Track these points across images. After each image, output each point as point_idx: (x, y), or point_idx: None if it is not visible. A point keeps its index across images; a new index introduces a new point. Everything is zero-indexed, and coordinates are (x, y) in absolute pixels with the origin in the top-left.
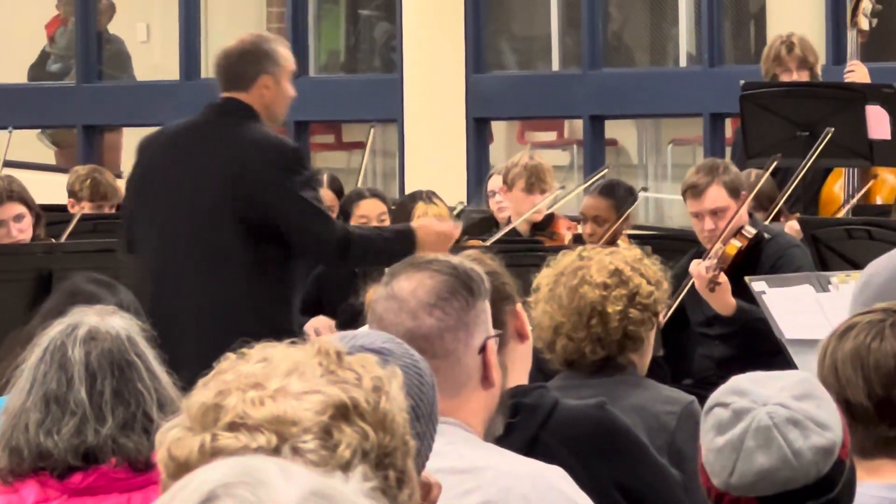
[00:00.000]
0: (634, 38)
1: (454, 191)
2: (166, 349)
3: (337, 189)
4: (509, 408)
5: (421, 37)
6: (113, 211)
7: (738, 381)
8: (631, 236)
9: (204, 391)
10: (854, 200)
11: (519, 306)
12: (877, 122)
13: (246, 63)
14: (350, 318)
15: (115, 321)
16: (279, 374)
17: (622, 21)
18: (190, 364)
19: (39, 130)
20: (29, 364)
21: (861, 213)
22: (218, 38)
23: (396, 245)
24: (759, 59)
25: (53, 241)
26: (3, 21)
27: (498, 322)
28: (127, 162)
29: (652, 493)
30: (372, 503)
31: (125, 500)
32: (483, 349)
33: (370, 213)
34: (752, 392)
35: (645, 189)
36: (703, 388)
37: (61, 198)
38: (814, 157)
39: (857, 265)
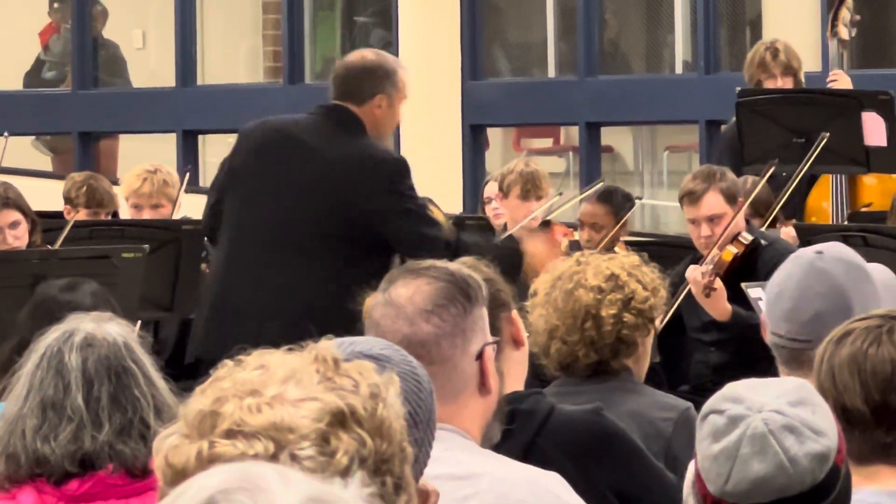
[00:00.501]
0: (630, 45)
1: (450, 197)
2: (230, 342)
3: None
4: (506, 414)
5: (417, 44)
6: (109, 217)
7: (733, 387)
8: (627, 243)
9: (201, 398)
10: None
11: (514, 313)
12: (873, 128)
13: (366, 79)
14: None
15: (111, 327)
16: (276, 381)
17: (618, 28)
18: None
19: (35, 137)
20: (26, 370)
21: (856, 220)
22: (214, 45)
23: (505, 258)
24: None
25: (49, 247)
26: None
27: (493, 329)
28: (124, 169)
29: (648, 498)
30: None
31: None
32: (480, 356)
33: None
34: (747, 399)
35: (639, 198)
36: (699, 395)
37: (57, 205)
38: (809, 163)
39: None
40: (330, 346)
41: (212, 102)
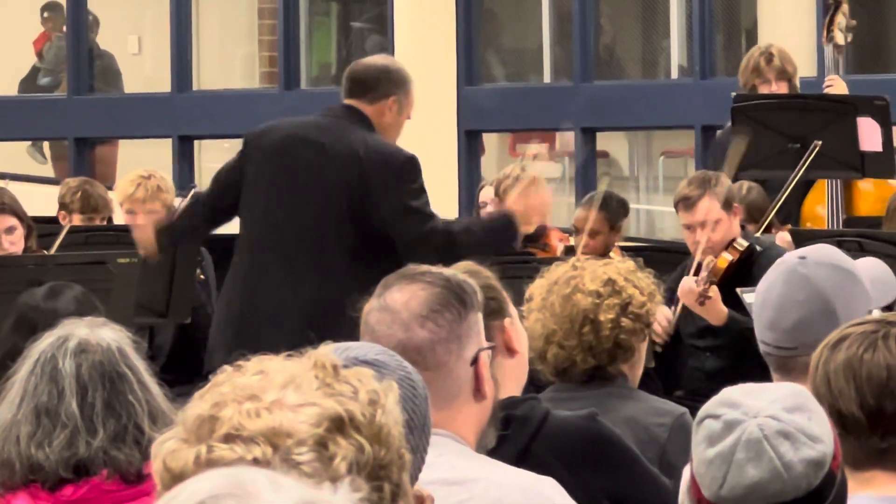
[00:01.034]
0: (626, 50)
1: (445, 202)
2: (250, 339)
3: None
4: (501, 420)
5: (412, 49)
6: (104, 223)
7: (729, 392)
8: (623, 248)
9: (200, 403)
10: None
11: (507, 321)
12: (868, 134)
13: (383, 78)
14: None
15: (105, 333)
16: (275, 387)
17: (614, 33)
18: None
19: (30, 143)
20: (19, 376)
21: (852, 225)
22: (210, 50)
23: (499, 239)
24: None
25: (45, 252)
26: None
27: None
28: (122, 174)
29: (644, 503)
30: None
31: None
32: (475, 361)
33: None
34: (743, 404)
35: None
36: (694, 400)
37: (53, 210)
38: (803, 170)
39: None
40: (329, 352)
41: (208, 108)
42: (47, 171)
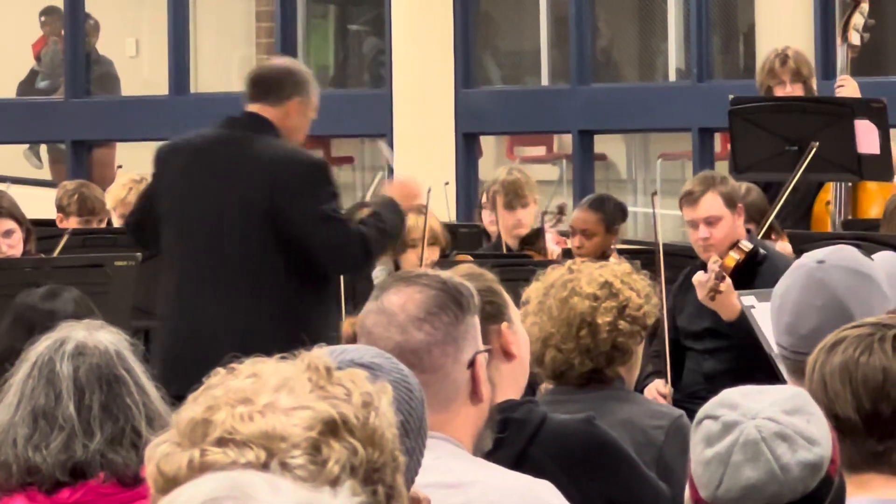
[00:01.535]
0: (623, 53)
1: (443, 205)
2: (191, 363)
3: None
4: (498, 423)
5: (410, 52)
6: (102, 226)
7: (729, 393)
8: (620, 251)
9: (193, 406)
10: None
11: (505, 325)
12: (865, 136)
13: (285, 81)
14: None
15: (103, 336)
16: (268, 390)
17: (611, 36)
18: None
19: (28, 146)
20: (17, 379)
21: (851, 228)
22: (207, 53)
23: (392, 221)
24: (748, 73)
25: (43, 256)
26: None
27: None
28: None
29: None
30: None
31: None
32: (472, 364)
33: None
34: (741, 405)
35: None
36: (691, 402)
37: (50, 212)
38: (800, 172)
39: None
40: (322, 354)
41: (205, 110)
42: (44, 174)
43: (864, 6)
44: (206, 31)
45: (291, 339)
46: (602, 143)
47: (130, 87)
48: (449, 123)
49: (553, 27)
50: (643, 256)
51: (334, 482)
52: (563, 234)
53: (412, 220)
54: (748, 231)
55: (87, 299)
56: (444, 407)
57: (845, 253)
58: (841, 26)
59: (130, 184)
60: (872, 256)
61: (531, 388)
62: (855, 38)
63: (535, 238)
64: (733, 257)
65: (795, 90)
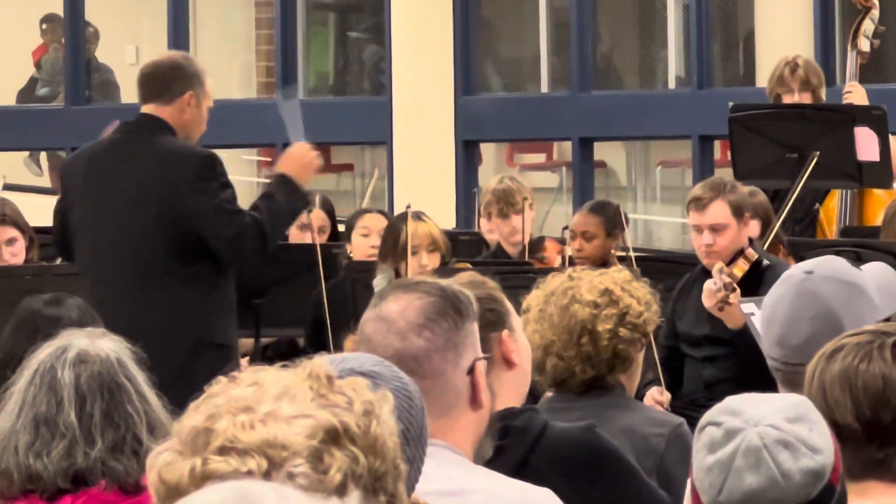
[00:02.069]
0: (623, 60)
1: (443, 213)
2: None
3: (329, 210)
4: (498, 430)
5: (410, 59)
6: None
7: (732, 400)
8: (621, 258)
9: (194, 415)
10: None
11: (505, 333)
12: (865, 143)
13: (174, 77)
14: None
15: (104, 343)
16: (270, 398)
17: (611, 43)
18: None
19: (28, 154)
20: (18, 386)
21: (850, 235)
22: (207, 61)
23: (285, 197)
24: (748, 81)
25: (45, 264)
26: None
27: (482, 349)
28: None
29: None
30: None
31: None
32: (472, 370)
33: (371, 226)
34: (745, 412)
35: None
36: (691, 410)
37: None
38: (802, 182)
39: None
40: (324, 362)
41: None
42: (44, 181)
43: (875, 12)
44: (206, 38)
45: (190, 340)
46: (602, 151)
47: (130, 94)
48: (449, 131)
49: (553, 34)
50: (643, 264)
51: (337, 491)
52: (562, 241)
53: (412, 227)
54: (750, 240)
55: (91, 308)
56: (444, 413)
57: (833, 263)
58: (851, 32)
59: None
60: (861, 267)
61: (533, 397)
62: (864, 45)
63: (536, 247)
64: (742, 266)
65: (804, 98)
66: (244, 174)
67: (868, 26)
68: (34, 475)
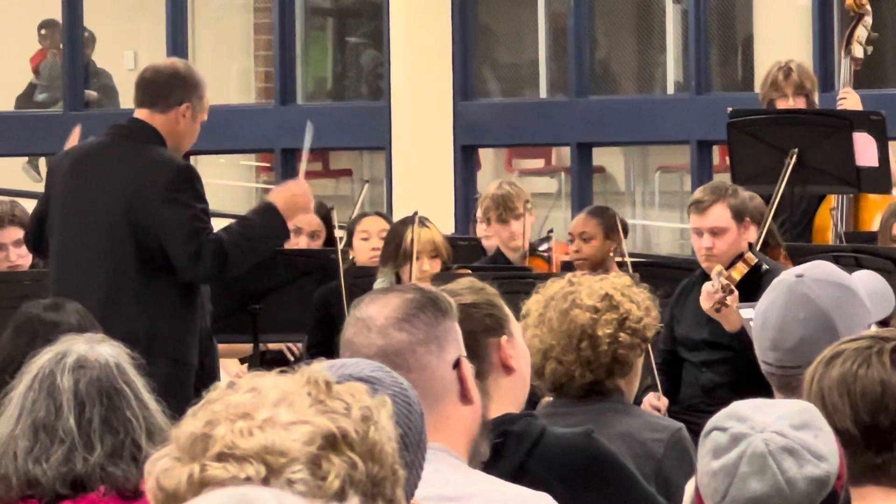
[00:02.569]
0: (622, 65)
1: (442, 218)
2: None
3: (324, 215)
4: (496, 435)
5: (408, 64)
6: None
7: (738, 406)
8: (620, 263)
9: (193, 421)
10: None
11: (504, 339)
12: (864, 148)
13: (173, 86)
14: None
15: (103, 349)
16: (268, 404)
17: (609, 48)
18: None
19: (27, 159)
20: (18, 392)
21: (849, 240)
22: (205, 66)
23: (264, 226)
24: (746, 86)
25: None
26: None
27: (478, 354)
28: None
29: None
30: None
31: None
32: (457, 365)
33: (371, 229)
34: (750, 418)
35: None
36: (690, 415)
37: None
38: (784, 183)
39: None
40: (322, 368)
41: (203, 123)
42: (43, 187)
43: (868, 19)
44: (205, 43)
45: (149, 351)
46: (601, 156)
47: (129, 99)
48: (447, 136)
49: (551, 40)
50: (642, 269)
51: (337, 497)
52: (546, 239)
53: (415, 233)
54: (750, 245)
55: (90, 313)
56: (434, 406)
57: (823, 267)
58: (844, 39)
59: None
60: (852, 276)
61: (531, 402)
62: (858, 51)
63: (541, 244)
64: (741, 269)
65: (798, 103)
66: (242, 179)
67: (861, 33)
68: (33, 481)
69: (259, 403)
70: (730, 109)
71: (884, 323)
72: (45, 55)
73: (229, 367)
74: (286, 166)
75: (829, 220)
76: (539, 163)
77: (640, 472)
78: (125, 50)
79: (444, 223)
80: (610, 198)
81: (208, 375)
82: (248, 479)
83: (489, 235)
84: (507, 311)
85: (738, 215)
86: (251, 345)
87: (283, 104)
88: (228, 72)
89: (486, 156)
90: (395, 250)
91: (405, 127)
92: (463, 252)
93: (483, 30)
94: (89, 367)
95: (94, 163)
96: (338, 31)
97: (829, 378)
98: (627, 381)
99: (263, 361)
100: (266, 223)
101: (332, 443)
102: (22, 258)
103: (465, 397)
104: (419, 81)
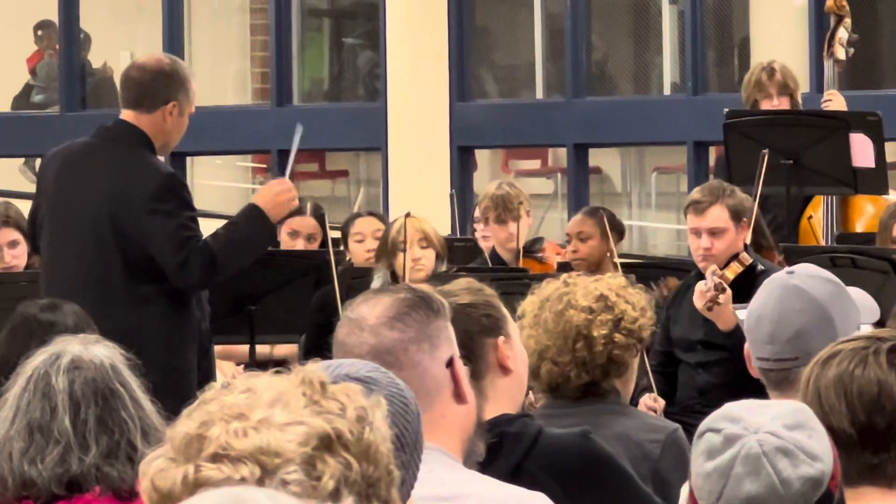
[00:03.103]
0: (618, 66)
1: (438, 219)
2: None
3: (319, 217)
4: (494, 436)
5: (405, 65)
6: None
7: (731, 407)
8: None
9: (187, 421)
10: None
11: (501, 339)
12: (861, 149)
13: (159, 85)
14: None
15: (98, 350)
16: (263, 405)
17: (606, 50)
18: None
19: (23, 160)
20: (13, 392)
21: (845, 241)
22: (202, 67)
23: (250, 229)
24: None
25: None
26: None
27: (475, 354)
28: None
29: None
30: None
31: None
32: (450, 364)
33: (365, 230)
34: (744, 419)
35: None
36: (686, 416)
37: None
38: (761, 184)
39: None
40: (317, 369)
41: (200, 124)
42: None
43: (848, 21)
44: (201, 44)
45: (138, 359)
46: (597, 157)
47: None
48: (444, 137)
49: (548, 41)
50: (639, 270)
51: (331, 497)
52: (563, 245)
53: (399, 224)
54: (745, 245)
55: (87, 315)
56: (428, 403)
57: (812, 267)
58: (826, 41)
59: None
60: None
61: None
62: (840, 53)
63: (536, 247)
64: (735, 269)
65: (782, 103)
66: (238, 180)
67: (842, 34)
68: (28, 482)
69: (254, 404)
70: (726, 110)
71: (881, 323)
72: (42, 56)
73: (225, 369)
74: (282, 168)
75: (809, 225)
76: (535, 164)
77: (637, 472)
78: (122, 51)
79: (439, 224)
80: (606, 199)
81: (204, 377)
82: (242, 480)
83: (486, 236)
84: (505, 312)
85: (736, 215)
86: (248, 348)
87: (280, 105)
88: (225, 73)
89: (483, 157)
90: (385, 244)
91: (401, 128)
92: (460, 253)
93: (479, 31)
94: (84, 367)
95: (81, 167)
96: (334, 32)
97: (825, 378)
98: (623, 382)
99: (259, 365)
100: (252, 225)
101: (327, 443)
102: (16, 259)
103: (459, 396)
104: (415, 82)
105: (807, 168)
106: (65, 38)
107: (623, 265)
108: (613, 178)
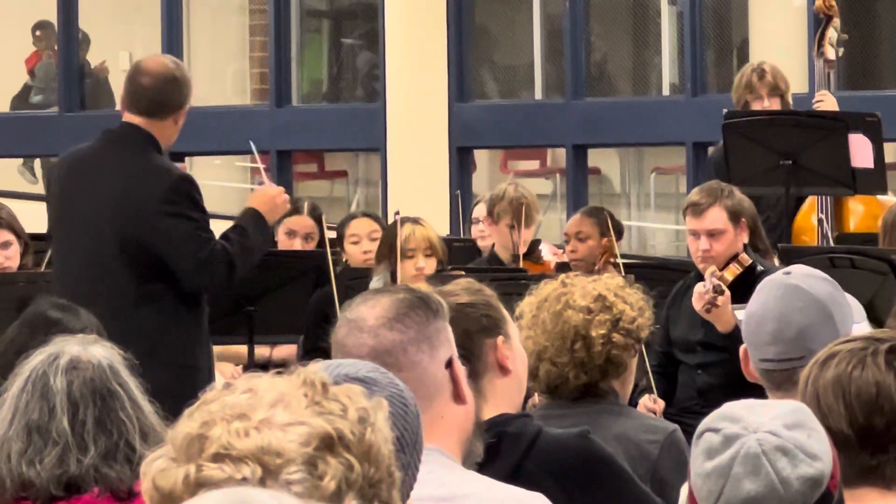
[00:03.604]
0: (617, 67)
1: (437, 219)
2: None
3: (317, 217)
4: (493, 436)
5: (404, 66)
6: None
7: (731, 407)
8: (615, 265)
9: (189, 421)
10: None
11: (500, 340)
12: (860, 150)
13: (171, 94)
14: None
15: (97, 350)
16: (264, 405)
17: (605, 50)
18: None
19: (22, 161)
20: (11, 393)
21: (844, 242)
22: (201, 67)
23: (260, 236)
24: None
25: (40, 270)
26: None
27: (474, 354)
28: None
29: None
30: None
31: None
32: (450, 364)
33: (361, 232)
34: (743, 419)
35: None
36: (685, 417)
37: (43, 228)
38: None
39: None
40: (318, 369)
41: (199, 125)
42: (39, 189)
43: (837, 21)
44: (200, 44)
45: (154, 358)
46: (596, 158)
47: None
48: (443, 137)
49: (547, 41)
50: (637, 270)
51: (333, 498)
52: (560, 246)
53: (409, 230)
54: (744, 246)
55: (100, 325)
56: (427, 404)
57: (807, 267)
58: (815, 42)
59: None
60: None
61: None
62: (830, 53)
63: (533, 248)
64: (733, 270)
65: (773, 104)
66: (237, 181)
67: (832, 34)
68: (27, 482)
69: (255, 404)
70: (725, 111)
71: (880, 323)
72: (40, 57)
73: (224, 370)
74: (281, 168)
75: (808, 222)
76: (534, 164)
77: (636, 473)
78: (120, 51)
79: (438, 224)
80: (605, 199)
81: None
82: (244, 480)
83: (485, 236)
84: (505, 312)
85: (735, 216)
86: (246, 349)
87: (279, 106)
88: (224, 73)
89: (482, 157)
90: (389, 249)
91: (400, 128)
92: (458, 253)
93: (478, 31)
94: (82, 368)
95: (90, 172)
96: (333, 33)
97: (823, 379)
98: (622, 382)
99: (258, 366)
100: (263, 233)
101: (329, 444)
102: (9, 260)
103: (458, 397)
104: (414, 83)
105: (805, 168)
106: (63, 38)
107: (623, 265)
108: (612, 179)
